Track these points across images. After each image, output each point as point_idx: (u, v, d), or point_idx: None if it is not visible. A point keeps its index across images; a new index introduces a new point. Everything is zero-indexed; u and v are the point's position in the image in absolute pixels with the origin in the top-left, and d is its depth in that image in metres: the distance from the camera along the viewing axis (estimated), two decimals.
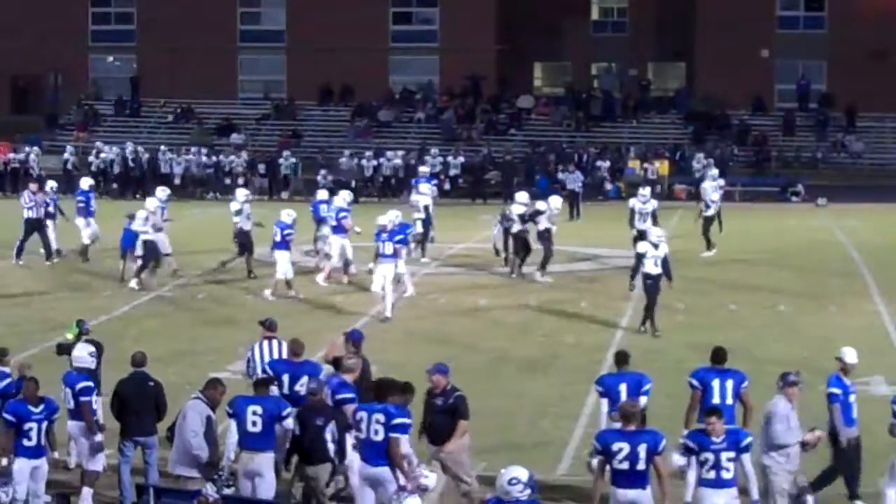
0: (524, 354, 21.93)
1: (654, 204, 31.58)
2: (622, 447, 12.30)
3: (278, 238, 26.94)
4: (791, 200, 47.67)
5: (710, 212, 33.26)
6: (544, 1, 61.72)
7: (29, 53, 60.62)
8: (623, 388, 14.43)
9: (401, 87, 61.93)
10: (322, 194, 31.40)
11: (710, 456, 12.51)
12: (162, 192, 31.53)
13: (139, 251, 28.09)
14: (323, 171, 47.58)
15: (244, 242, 29.11)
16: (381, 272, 24.95)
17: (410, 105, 60.64)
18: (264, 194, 47.99)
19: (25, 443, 13.80)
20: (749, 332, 23.68)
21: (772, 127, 57.54)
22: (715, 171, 39.80)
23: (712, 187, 34.80)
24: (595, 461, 12.74)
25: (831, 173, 52.74)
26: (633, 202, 31.74)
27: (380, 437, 12.89)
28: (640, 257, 23.88)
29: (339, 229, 28.45)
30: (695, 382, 14.59)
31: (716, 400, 14.36)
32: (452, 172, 49.47)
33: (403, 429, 12.94)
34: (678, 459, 13.51)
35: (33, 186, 32.66)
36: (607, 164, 50.62)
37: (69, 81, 63.79)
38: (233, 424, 13.56)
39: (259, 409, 13.49)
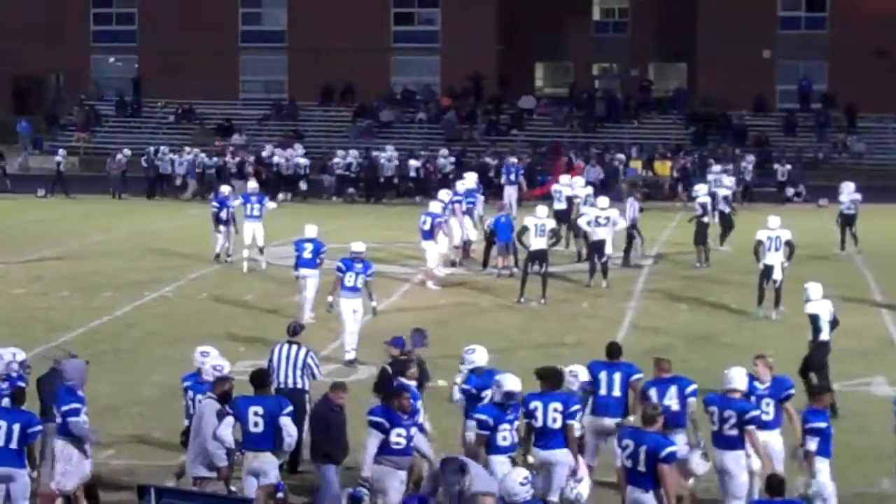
0: (525, 354, 21.89)
1: (787, 233, 24.89)
2: (628, 444, 12.36)
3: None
4: (793, 201, 47.59)
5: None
6: (545, 1, 61.68)
7: (30, 54, 60.54)
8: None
9: (402, 87, 61.92)
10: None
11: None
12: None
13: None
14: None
15: None
16: (349, 307, 21.23)
17: (412, 105, 60.62)
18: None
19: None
20: (750, 332, 23.66)
21: (773, 127, 57.51)
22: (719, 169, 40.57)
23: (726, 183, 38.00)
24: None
25: (833, 174, 52.66)
26: (760, 233, 25.00)
27: (558, 424, 13.46)
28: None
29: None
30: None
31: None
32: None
33: (574, 415, 13.70)
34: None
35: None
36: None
37: (70, 82, 63.81)
38: (226, 422, 13.49)
39: (260, 410, 13.47)
